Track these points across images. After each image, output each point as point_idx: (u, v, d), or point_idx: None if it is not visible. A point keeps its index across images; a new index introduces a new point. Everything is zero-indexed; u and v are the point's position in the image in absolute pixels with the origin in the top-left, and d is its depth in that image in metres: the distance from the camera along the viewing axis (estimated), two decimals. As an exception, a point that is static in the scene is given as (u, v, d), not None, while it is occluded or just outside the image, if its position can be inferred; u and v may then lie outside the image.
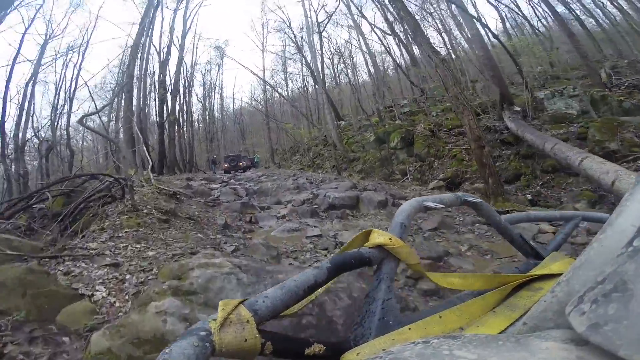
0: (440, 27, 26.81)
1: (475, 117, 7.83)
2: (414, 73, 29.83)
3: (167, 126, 21.63)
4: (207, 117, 40.27)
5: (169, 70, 25.85)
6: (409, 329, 0.70)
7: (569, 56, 23.66)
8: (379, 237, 0.83)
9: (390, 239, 0.82)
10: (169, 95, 22.66)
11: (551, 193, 9.78)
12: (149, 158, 9.92)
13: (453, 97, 8.06)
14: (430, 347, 0.40)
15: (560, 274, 0.52)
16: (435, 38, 30.34)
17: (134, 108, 19.79)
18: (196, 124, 40.69)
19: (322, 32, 30.83)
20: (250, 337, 0.51)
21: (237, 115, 50.49)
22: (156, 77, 22.18)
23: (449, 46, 29.67)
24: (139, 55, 19.50)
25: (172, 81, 23.28)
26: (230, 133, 50.69)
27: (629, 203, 0.48)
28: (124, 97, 16.67)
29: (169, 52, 21.98)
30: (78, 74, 21.85)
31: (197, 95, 43.80)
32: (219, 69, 43.08)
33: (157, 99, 21.02)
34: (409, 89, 34.06)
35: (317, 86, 30.19)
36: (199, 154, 39.64)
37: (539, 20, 29.06)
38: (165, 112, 20.85)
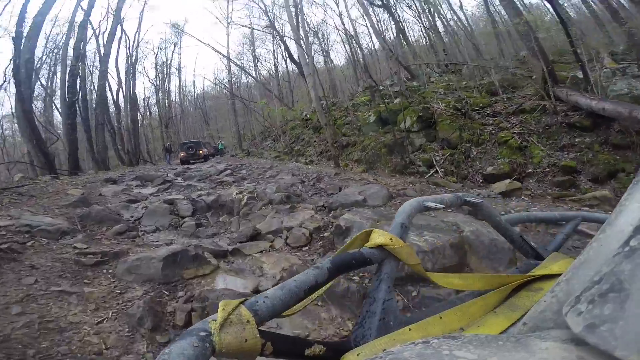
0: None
1: None
2: (400, 52, 25.35)
3: (94, 109, 15.64)
4: (162, 100, 33.61)
5: (102, 43, 19.51)
6: (410, 329, 0.67)
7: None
8: (379, 237, 0.78)
9: (391, 239, 0.77)
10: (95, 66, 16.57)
11: None
12: None
13: None
14: (430, 347, 0.38)
15: (560, 274, 0.51)
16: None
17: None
18: (146, 108, 34.07)
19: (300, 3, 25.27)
20: (251, 337, 0.48)
21: (199, 99, 43.94)
22: (72, 42, 15.78)
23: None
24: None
25: (102, 52, 17.10)
26: (191, 118, 44.11)
27: (627, 203, 0.46)
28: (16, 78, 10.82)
29: (88, 14, 15.70)
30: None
31: (147, 77, 36.93)
32: (174, 48, 36.28)
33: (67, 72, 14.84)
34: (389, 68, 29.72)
35: (293, 63, 25.02)
36: (153, 141, 33.25)
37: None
38: (81, 88, 14.78)
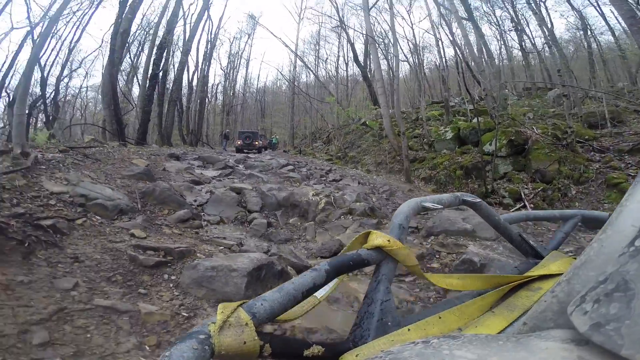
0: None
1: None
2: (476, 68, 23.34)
3: (168, 85, 15.59)
4: (228, 88, 34.00)
5: (189, 23, 19.67)
6: (408, 329, 0.66)
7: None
8: (377, 238, 0.76)
9: (389, 240, 0.76)
10: (177, 46, 16.57)
11: None
12: None
13: None
14: (431, 347, 0.37)
15: (559, 274, 0.50)
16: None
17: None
18: (213, 94, 34.66)
19: (371, 8, 24.18)
20: (249, 339, 0.47)
21: (260, 93, 44.33)
22: (164, 21, 15.72)
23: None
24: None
25: (189, 33, 17.12)
26: (250, 110, 44.55)
27: (628, 203, 0.44)
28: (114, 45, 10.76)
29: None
30: (85, 27, 16.06)
31: (220, 64, 37.59)
32: (247, 39, 36.62)
33: (153, 46, 14.84)
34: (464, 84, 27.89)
35: (358, 66, 24.08)
36: (213, 126, 33.75)
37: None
38: (163, 63, 14.62)
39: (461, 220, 4.50)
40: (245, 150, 19.29)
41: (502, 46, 26.02)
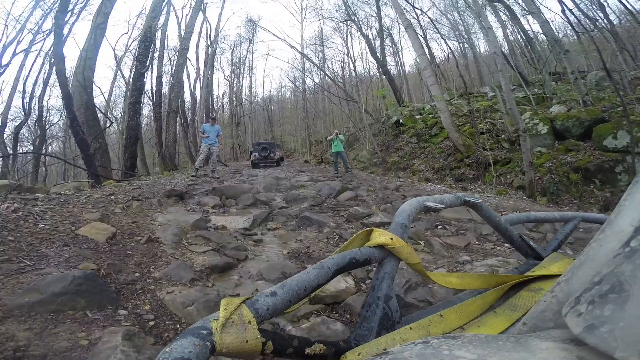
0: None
1: None
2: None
3: (169, 93, 12.93)
4: (234, 98, 31.44)
5: (183, 28, 17.12)
6: (410, 328, 0.64)
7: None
8: (380, 236, 0.74)
9: (391, 238, 0.74)
10: (169, 55, 13.87)
11: None
12: None
13: None
14: (430, 347, 0.36)
15: (559, 275, 0.49)
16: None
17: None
18: (220, 105, 32.15)
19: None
20: (252, 337, 0.45)
21: (266, 101, 41.78)
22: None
23: None
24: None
25: (184, 31, 14.39)
26: (257, 120, 42.06)
27: (627, 203, 0.43)
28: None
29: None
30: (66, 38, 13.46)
31: (223, 73, 35.04)
32: (249, 45, 34.08)
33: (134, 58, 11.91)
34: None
35: (375, 60, 21.23)
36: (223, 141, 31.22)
37: None
38: (152, 62, 11.77)
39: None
40: (262, 164, 16.54)
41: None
